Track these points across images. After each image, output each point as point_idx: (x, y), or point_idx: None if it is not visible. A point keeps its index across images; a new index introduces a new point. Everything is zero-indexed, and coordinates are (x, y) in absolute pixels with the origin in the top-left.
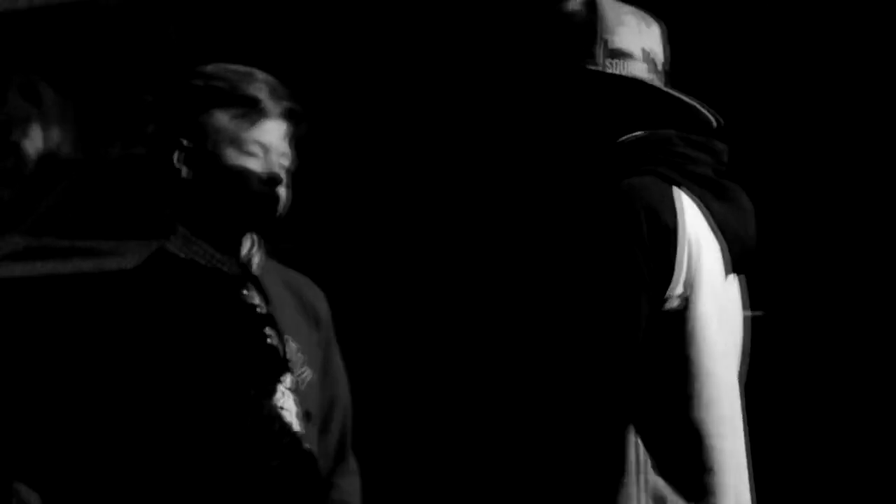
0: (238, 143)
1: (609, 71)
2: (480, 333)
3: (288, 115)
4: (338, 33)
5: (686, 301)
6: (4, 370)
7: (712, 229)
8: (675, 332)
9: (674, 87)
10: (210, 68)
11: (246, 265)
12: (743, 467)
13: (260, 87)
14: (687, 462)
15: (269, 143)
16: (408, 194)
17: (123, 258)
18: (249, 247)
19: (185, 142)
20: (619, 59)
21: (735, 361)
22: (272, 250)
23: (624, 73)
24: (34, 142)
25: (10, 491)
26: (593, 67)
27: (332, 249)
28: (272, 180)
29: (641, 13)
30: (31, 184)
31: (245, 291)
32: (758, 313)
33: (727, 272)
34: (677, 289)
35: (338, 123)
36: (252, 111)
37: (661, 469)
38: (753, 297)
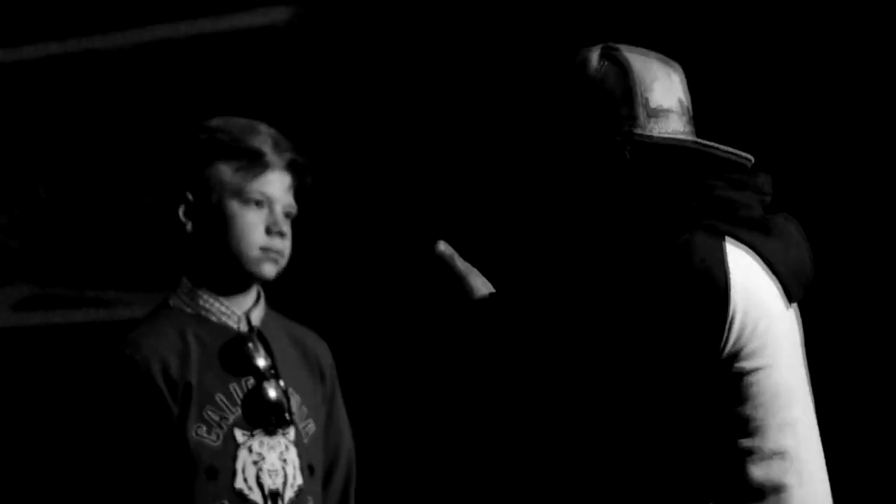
0: (241, 196)
1: (655, 133)
2: (528, 389)
3: (291, 167)
4: (357, 84)
5: (741, 359)
6: (8, 419)
7: (767, 274)
8: (739, 392)
9: (696, 122)
10: (214, 122)
11: (249, 318)
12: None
13: (263, 139)
14: None
15: (272, 194)
16: (404, 241)
17: (131, 309)
18: (254, 300)
19: (189, 195)
20: (661, 118)
21: (808, 405)
22: (275, 303)
23: (668, 132)
24: (42, 191)
25: None
26: (639, 132)
27: (324, 301)
28: (275, 232)
29: (664, 59)
30: (39, 233)
31: (249, 345)
32: None
33: (787, 307)
34: (732, 345)
35: (334, 173)
36: (255, 164)
37: None
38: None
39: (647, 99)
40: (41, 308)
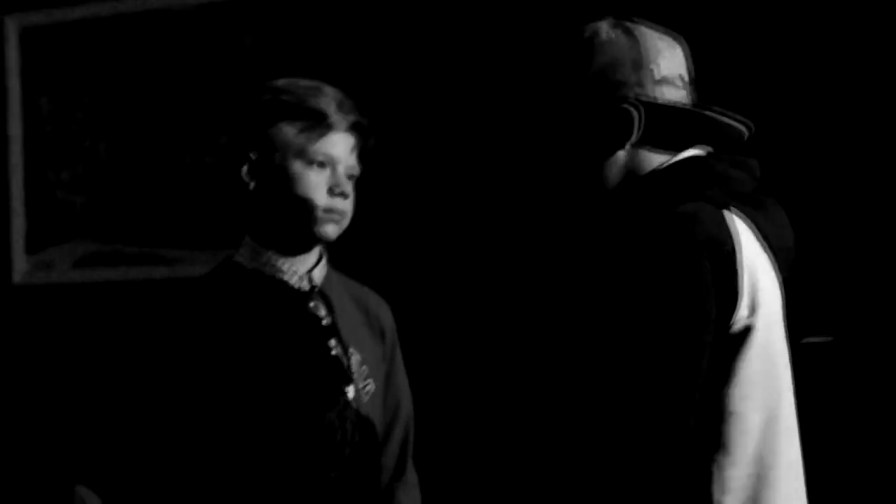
0: (304, 156)
1: (661, 100)
2: (538, 366)
3: (354, 129)
4: (401, 43)
5: (747, 325)
6: (70, 375)
7: (761, 245)
8: (737, 354)
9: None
10: (279, 83)
11: (311, 277)
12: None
13: (327, 101)
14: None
15: (335, 155)
16: (462, 204)
17: (193, 267)
18: (316, 259)
19: (252, 155)
20: (666, 87)
21: (789, 385)
22: (337, 263)
23: (673, 100)
24: (104, 148)
25: (73, 494)
26: (646, 98)
27: (386, 262)
28: (337, 193)
29: (669, 32)
30: (102, 190)
31: (311, 303)
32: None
33: (778, 280)
34: (741, 312)
35: (397, 135)
36: (319, 125)
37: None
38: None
39: (652, 69)
40: (102, 265)
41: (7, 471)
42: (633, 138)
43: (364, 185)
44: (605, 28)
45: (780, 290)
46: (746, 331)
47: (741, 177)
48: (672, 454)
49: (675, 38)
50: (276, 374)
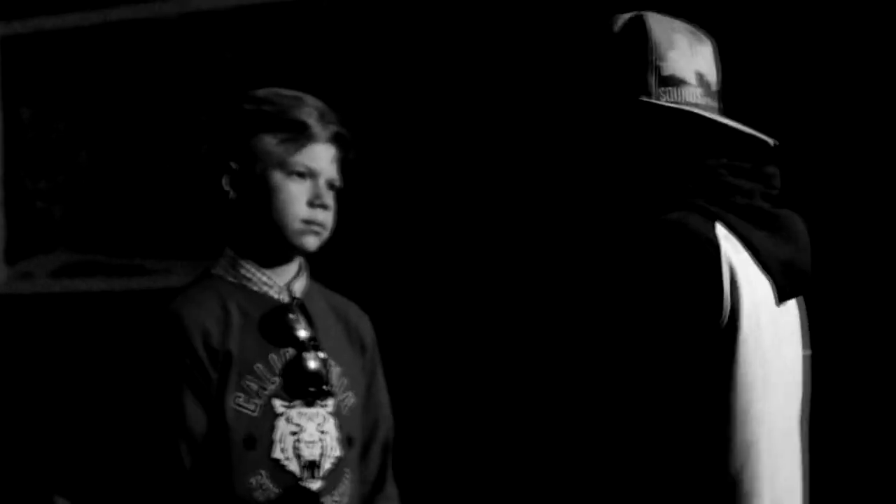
0: (285, 167)
1: (663, 101)
2: (527, 368)
3: (336, 140)
4: (384, 54)
5: (727, 337)
6: (49, 385)
7: (755, 262)
8: (717, 368)
9: (726, 102)
10: (260, 92)
11: (291, 289)
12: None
13: (308, 111)
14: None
15: (315, 167)
16: (448, 215)
17: (172, 277)
18: (296, 271)
19: (233, 165)
20: (673, 87)
21: (787, 399)
22: (319, 275)
23: (679, 101)
24: (84, 158)
25: (51, 502)
26: (646, 98)
27: (371, 273)
28: (317, 205)
29: (692, 30)
30: (81, 200)
31: (290, 315)
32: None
33: (777, 303)
34: (724, 318)
35: (380, 145)
36: (300, 136)
37: None
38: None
39: (659, 66)
40: (81, 275)
41: None
42: (630, 138)
43: (352, 195)
44: (621, 21)
45: (788, 312)
46: (732, 335)
47: (746, 186)
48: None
49: (696, 36)
50: (254, 386)
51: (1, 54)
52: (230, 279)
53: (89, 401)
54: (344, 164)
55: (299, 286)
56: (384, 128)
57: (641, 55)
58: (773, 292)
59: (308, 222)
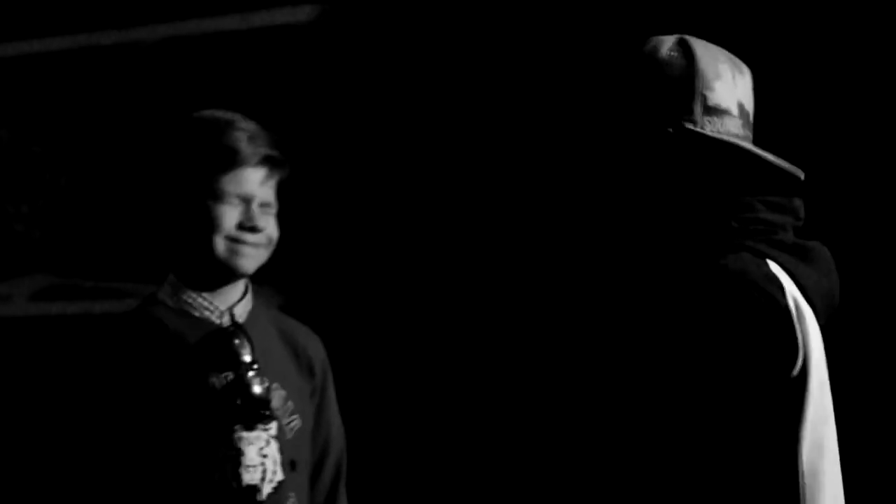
0: (217, 194)
1: (708, 130)
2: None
3: (266, 162)
4: (379, 82)
5: (801, 376)
6: (27, 408)
7: (803, 295)
8: (791, 406)
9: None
10: (190, 117)
11: (232, 313)
12: None
13: (238, 136)
14: None
15: (246, 191)
16: (478, 240)
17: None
18: (240, 294)
19: (167, 190)
20: (717, 117)
21: (833, 425)
22: (272, 298)
23: (721, 131)
24: (64, 181)
25: None
26: (691, 126)
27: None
28: (248, 227)
29: (734, 60)
30: (60, 223)
31: (234, 340)
32: None
33: (819, 332)
34: (798, 366)
35: (375, 177)
36: (228, 160)
37: None
38: None
39: (705, 96)
40: (59, 298)
41: None
42: (670, 166)
43: (316, 218)
44: (666, 46)
45: (821, 338)
46: (803, 384)
47: (781, 221)
48: None
49: (738, 66)
50: (194, 412)
51: None
52: (171, 304)
53: (67, 424)
54: (279, 186)
55: (242, 309)
56: (357, 154)
57: (689, 82)
58: (817, 323)
59: (240, 244)
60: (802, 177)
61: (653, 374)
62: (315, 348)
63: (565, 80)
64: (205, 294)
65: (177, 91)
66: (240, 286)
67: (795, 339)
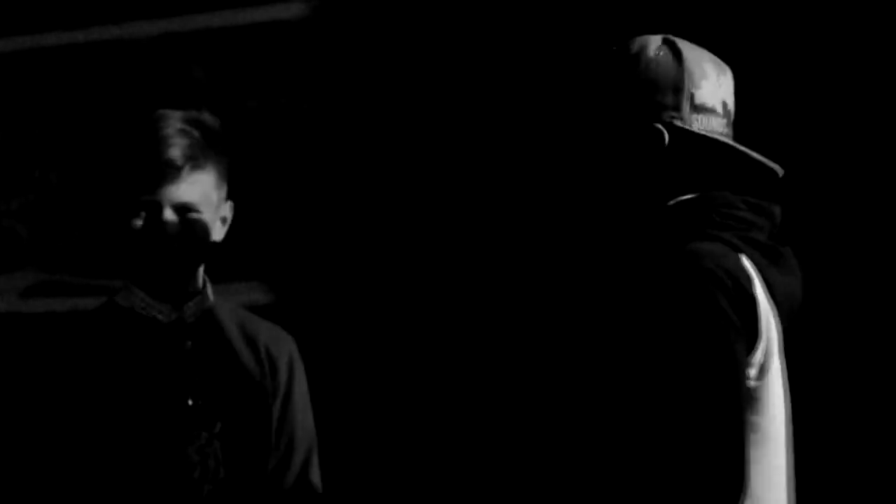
0: (143, 196)
1: (696, 127)
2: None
3: (197, 161)
4: (372, 79)
5: (760, 369)
6: (16, 405)
7: (766, 295)
8: (749, 398)
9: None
10: (133, 119)
11: (181, 313)
12: None
13: (169, 134)
14: None
15: (160, 196)
16: (466, 233)
17: None
18: (192, 294)
19: (111, 192)
20: (703, 115)
21: (789, 425)
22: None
23: (708, 129)
24: (55, 178)
25: None
26: (680, 123)
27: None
28: (182, 232)
29: (717, 60)
30: (49, 220)
31: (187, 342)
32: None
33: (780, 333)
34: (756, 356)
35: (371, 174)
36: (147, 164)
37: None
38: None
39: (693, 94)
40: (48, 295)
41: None
42: (658, 161)
43: (304, 216)
44: (653, 45)
45: (781, 341)
46: (760, 376)
47: (759, 222)
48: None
49: (721, 66)
50: (134, 410)
51: None
52: (125, 305)
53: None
54: (272, 180)
55: (192, 310)
56: (352, 152)
57: (678, 80)
58: (778, 326)
59: (164, 245)
60: (782, 173)
61: (626, 344)
62: (280, 348)
63: (557, 77)
64: (153, 295)
65: (169, 88)
66: (191, 285)
67: (757, 323)
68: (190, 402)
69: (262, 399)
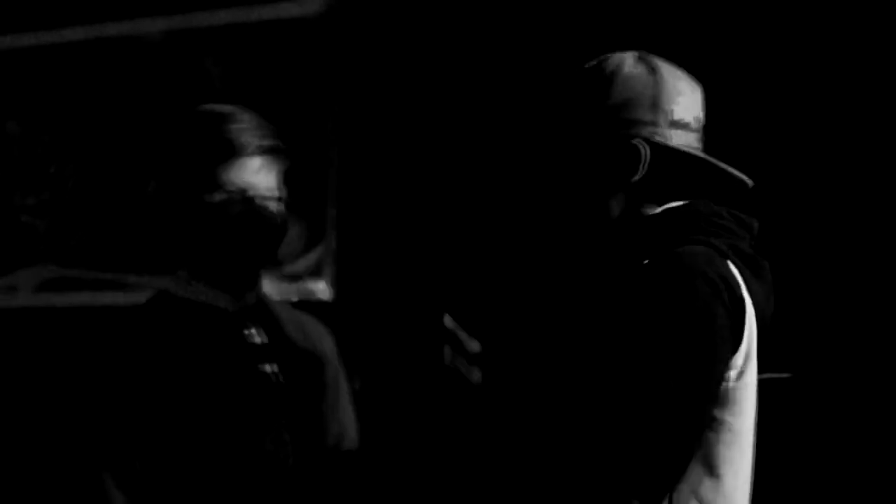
0: (219, 185)
1: (674, 143)
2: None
3: (268, 152)
4: (388, 76)
5: (740, 371)
6: (33, 400)
7: (750, 301)
8: (726, 399)
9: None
10: (192, 111)
11: (242, 302)
12: None
13: (238, 127)
14: None
15: (251, 182)
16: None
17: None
18: (251, 285)
19: (171, 185)
20: (680, 130)
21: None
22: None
23: (685, 143)
24: (72, 173)
25: None
26: (659, 139)
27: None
28: (255, 220)
29: (689, 76)
30: (67, 215)
31: (246, 331)
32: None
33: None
34: (739, 358)
35: (390, 170)
36: (229, 153)
37: None
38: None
39: (670, 110)
40: (64, 290)
41: None
42: (638, 176)
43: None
44: (629, 62)
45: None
46: (738, 378)
47: (741, 234)
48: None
49: (693, 83)
50: (209, 398)
51: None
52: (181, 296)
53: (72, 416)
54: (287, 174)
55: (253, 298)
56: (367, 141)
57: (655, 97)
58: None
59: (248, 238)
60: (751, 185)
61: (614, 339)
62: (326, 341)
63: (535, 92)
64: (214, 286)
65: (184, 83)
66: (251, 276)
67: (744, 326)
68: (275, 379)
69: (319, 389)
